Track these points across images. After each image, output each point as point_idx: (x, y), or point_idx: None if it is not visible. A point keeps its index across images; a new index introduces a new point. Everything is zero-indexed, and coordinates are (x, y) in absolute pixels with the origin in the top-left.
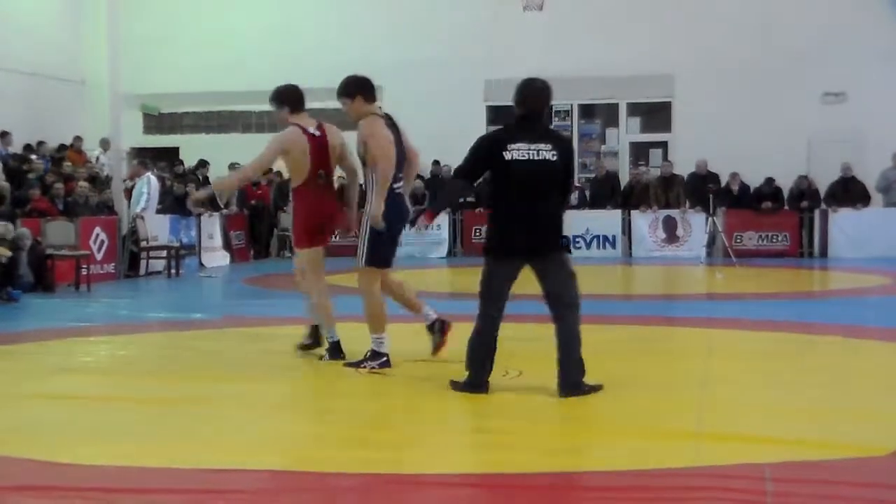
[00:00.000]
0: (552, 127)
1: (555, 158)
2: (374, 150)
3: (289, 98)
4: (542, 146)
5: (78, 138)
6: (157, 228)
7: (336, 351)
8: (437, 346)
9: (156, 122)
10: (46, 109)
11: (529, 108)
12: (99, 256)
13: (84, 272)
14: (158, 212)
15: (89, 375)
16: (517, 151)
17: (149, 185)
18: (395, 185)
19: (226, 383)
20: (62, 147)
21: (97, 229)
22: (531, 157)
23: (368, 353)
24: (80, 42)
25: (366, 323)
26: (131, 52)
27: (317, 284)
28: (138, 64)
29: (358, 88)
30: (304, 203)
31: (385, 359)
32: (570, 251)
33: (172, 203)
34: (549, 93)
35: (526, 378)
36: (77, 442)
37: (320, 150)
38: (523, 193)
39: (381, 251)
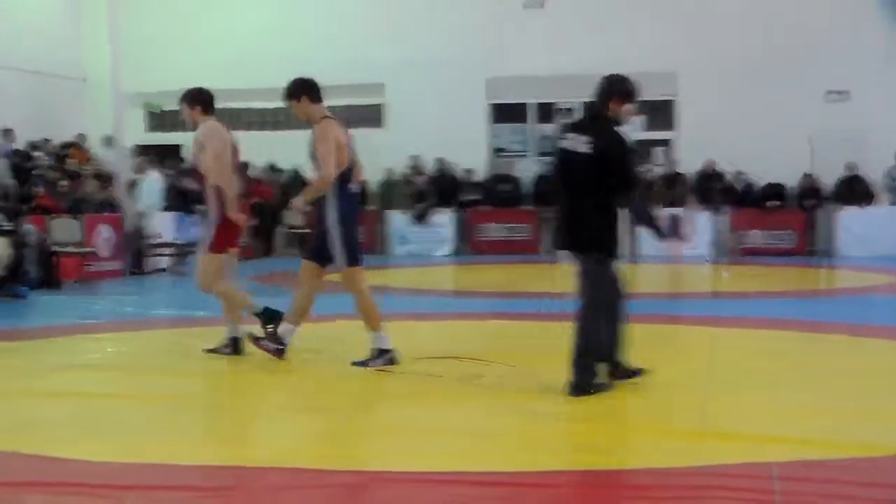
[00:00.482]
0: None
1: (590, 151)
2: (320, 154)
3: (203, 99)
4: (583, 138)
5: (81, 136)
6: (162, 226)
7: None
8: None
9: (158, 119)
10: (49, 107)
11: (595, 100)
12: (104, 253)
13: (89, 269)
14: (163, 209)
15: (94, 372)
16: (565, 141)
17: (153, 182)
18: (351, 186)
19: (231, 380)
20: (66, 145)
21: (102, 226)
22: (572, 148)
23: (374, 352)
24: (82, 40)
25: (363, 322)
26: (133, 51)
27: (227, 284)
28: (140, 62)
29: (303, 90)
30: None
31: (390, 355)
32: (610, 254)
33: (177, 200)
34: (605, 86)
35: (537, 376)
36: (81, 438)
37: (236, 150)
38: (563, 186)
39: (355, 249)
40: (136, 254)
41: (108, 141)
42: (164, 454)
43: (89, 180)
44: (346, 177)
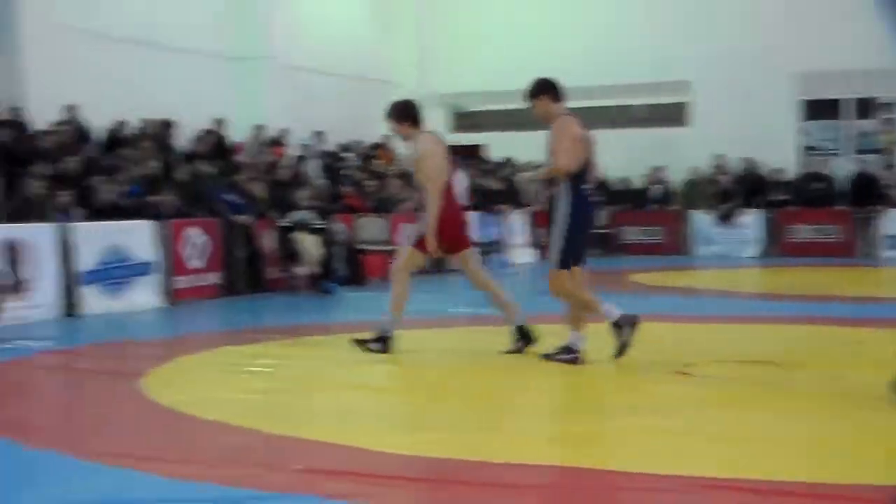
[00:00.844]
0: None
1: None
2: (555, 147)
3: (410, 113)
4: None
5: (387, 137)
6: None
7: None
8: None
9: (462, 120)
10: (359, 110)
11: None
12: None
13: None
14: (467, 209)
15: (396, 366)
16: None
17: (458, 182)
18: (585, 185)
19: (518, 379)
20: (374, 146)
21: (406, 225)
22: None
23: (614, 329)
24: (390, 44)
25: (596, 320)
26: (437, 53)
27: (405, 283)
28: (444, 64)
29: (544, 89)
30: (451, 208)
31: (630, 318)
32: None
33: (479, 200)
34: None
35: (847, 384)
36: (384, 430)
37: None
38: None
39: (574, 253)
40: None
41: None
42: (466, 449)
43: (394, 180)
44: (581, 175)
